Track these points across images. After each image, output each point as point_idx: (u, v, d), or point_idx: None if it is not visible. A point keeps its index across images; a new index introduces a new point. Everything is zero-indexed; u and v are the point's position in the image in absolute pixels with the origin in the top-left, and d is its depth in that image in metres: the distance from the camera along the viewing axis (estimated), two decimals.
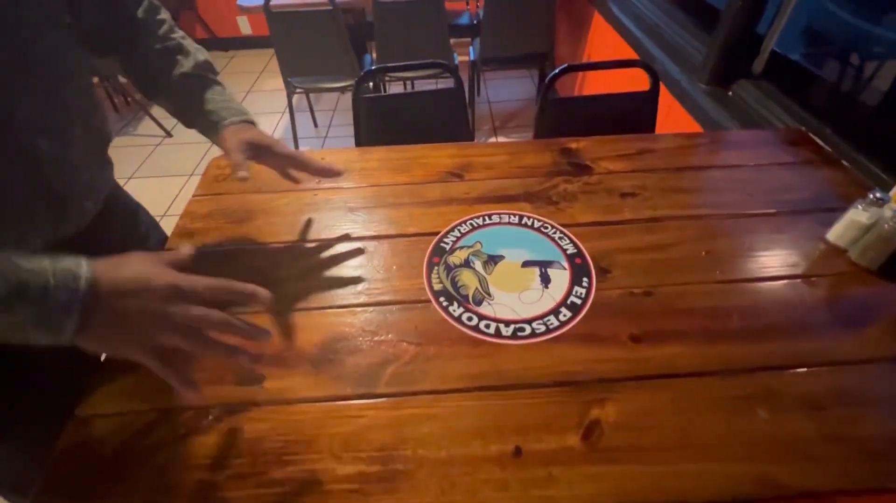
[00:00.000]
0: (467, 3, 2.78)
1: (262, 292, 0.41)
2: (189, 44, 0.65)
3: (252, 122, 0.64)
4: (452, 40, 1.96)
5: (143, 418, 0.50)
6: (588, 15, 2.02)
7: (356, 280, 0.65)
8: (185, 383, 0.40)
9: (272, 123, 2.50)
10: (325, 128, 2.48)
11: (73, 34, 0.54)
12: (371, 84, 1.96)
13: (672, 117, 1.27)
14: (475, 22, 2.47)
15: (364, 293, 0.63)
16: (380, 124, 1.10)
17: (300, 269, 0.67)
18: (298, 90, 1.95)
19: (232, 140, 0.59)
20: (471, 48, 2.24)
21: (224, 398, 0.51)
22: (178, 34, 0.65)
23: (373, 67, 1.20)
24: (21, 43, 0.46)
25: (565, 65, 1.05)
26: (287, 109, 2.07)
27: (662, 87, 1.09)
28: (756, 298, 0.60)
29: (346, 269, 0.67)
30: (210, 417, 0.50)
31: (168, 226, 0.78)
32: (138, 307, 0.37)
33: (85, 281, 0.35)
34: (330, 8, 1.65)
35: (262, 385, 0.52)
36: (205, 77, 0.64)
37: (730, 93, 1.13)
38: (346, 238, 0.72)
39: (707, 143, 0.94)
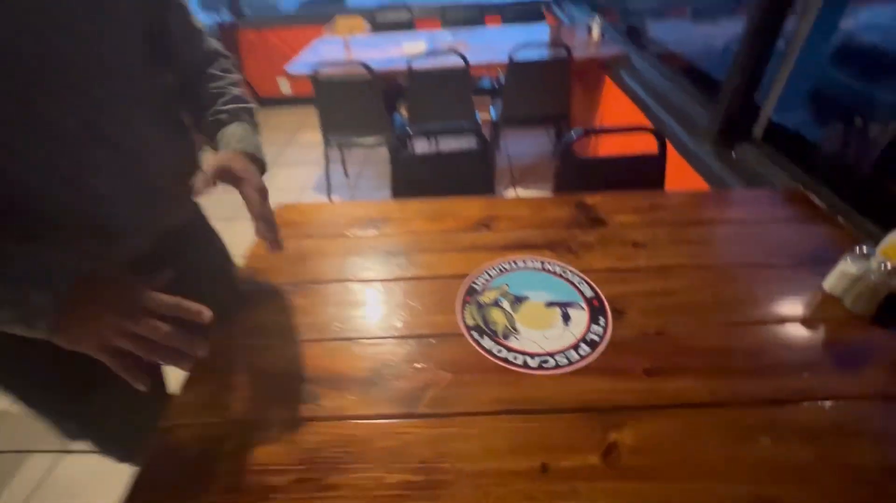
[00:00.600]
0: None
1: (206, 311, 0.49)
2: (238, 91, 0.75)
3: (252, 155, 0.67)
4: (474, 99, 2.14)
5: (218, 429, 0.58)
6: (601, 81, 2.20)
7: (398, 315, 0.74)
8: (133, 378, 0.48)
9: (308, 174, 2.71)
10: (355, 177, 2.67)
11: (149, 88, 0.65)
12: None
13: (680, 174, 1.38)
14: (495, 86, 2.70)
15: (406, 326, 0.72)
16: (414, 178, 1.22)
17: (350, 304, 0.77)
18: (334, 145, 2.15)
19: (211, 159, 0.61)
20: (492, 108, 2.44)
21: (286, 414, 0.59)
22: (237, 90, 0.76)
23: (409, 128, 1.34)
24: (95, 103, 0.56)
25: (582, 130, 1.17)
26: (321, 161, 2.27)
27: (671, 147, 1.21)
28: (759, 339, 0.67)
29: (389, 306, 0.76)
30: (275, 429, 0.58)
31: None
32: (97, 318, 0.46)
33: (55, 298, 0.46)
34: (370, 77, 1.86)
35: (318, 403, 0.60)
36: (236, 113, 0.72)
37: (733, 154, 1.24)
38: (388, 278, 0.82)
39: (712, 200, 1.03)
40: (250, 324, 0.73)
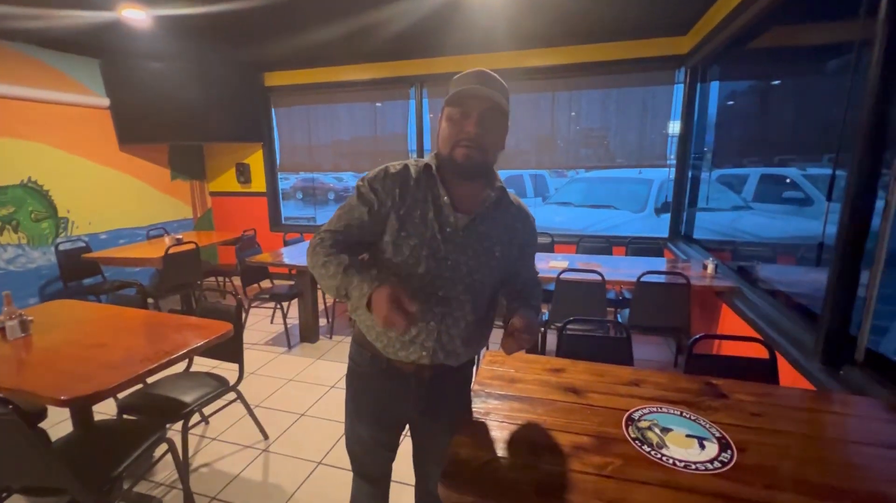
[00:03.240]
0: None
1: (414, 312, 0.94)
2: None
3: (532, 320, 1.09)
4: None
5: (494, 450, 1.04)
6: (717, 305, 2.65)
7: (580, 425, 1.17)
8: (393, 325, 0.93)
9: None
10: (495, 345, 3.23)
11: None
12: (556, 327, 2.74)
13: (791, 379, 1.67)
14: (620, 298, 3.29)
15: (585, 432, 1.14)
16: (573, 350, 1.74)
17: (548, 414, 1.23)
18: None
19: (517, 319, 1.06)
20: (619, 315, 2.97)
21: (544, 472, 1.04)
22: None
23: (569, 320, 1.92)
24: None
25: (703, 334, 1.63)
26: None
27: (781, 356, 1.57)
28: (856, 487, 0.95)
29: (571, 418, 1.20)
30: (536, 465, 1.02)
31: None
32: (382, 303, 0.94)
33: (370, 290, 0.98)
34: None
35: (540, 457, 1.04)
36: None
37: (840, 372, 1.54)
38: (570, 401, 1.28)
39: (819, 396, 1.34)
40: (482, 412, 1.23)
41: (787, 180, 2.76)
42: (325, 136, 4.86)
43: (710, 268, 2.80)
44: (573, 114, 4.13)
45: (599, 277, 2.61)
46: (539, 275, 1.35)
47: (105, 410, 2.33)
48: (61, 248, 3.77)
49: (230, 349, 2.09)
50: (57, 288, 3.79)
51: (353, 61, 4.39)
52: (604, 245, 3.86)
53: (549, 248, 3.88)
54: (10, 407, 1.22)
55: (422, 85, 4.38)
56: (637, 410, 1.23)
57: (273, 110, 4.96)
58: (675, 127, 3.91)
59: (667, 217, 4.19)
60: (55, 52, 3.74)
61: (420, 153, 4.55)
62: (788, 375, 1.68)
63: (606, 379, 1.41)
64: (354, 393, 1.27)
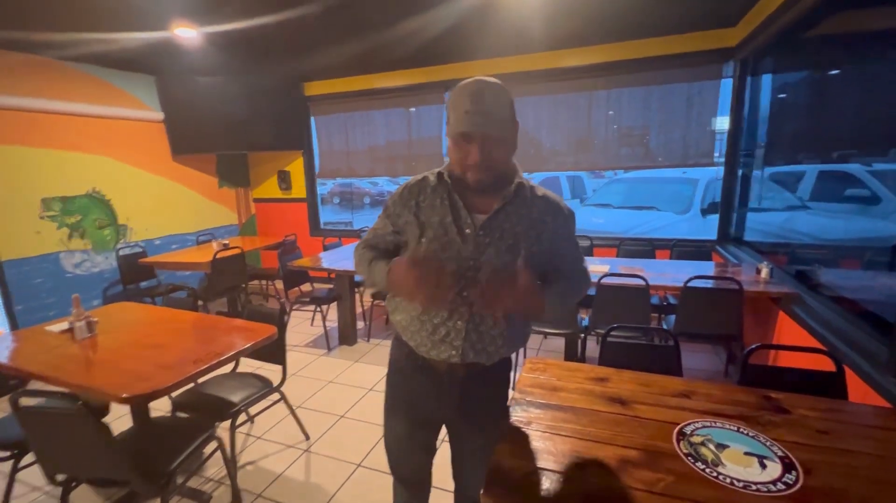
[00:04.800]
0: None
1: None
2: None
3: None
4: None
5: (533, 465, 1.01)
6: (773, 312, 2.49)
7: (627, 437, 1.13)
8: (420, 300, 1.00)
9: None
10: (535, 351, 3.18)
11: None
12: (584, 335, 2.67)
13: (862, 391, 1.53)
14: (664, 303, 3.16)
15: (633, 445, 1.10)
16: (616, 358, 1.68)
17: (592, 424, 1.19)
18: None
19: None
20: (663, 322, 2.85)
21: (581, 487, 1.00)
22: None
23: (612, 327, 1.86)
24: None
25: (759, 343, 1.53)
26: None
27: (849, 369, 1.44)
28: None
29: (617, 430, 1.16)
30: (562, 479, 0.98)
31: None
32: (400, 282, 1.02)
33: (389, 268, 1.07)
34: None
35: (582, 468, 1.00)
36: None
37: None
38: (615, 412, 1.23)
39: (893, 413, 1.22)
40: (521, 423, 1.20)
41: (850, 177, 2.56)
42: (361, 142, 4.97)
43: (765, 272, 2.64)
44: (611, 112, 4.02)
45: (643, 282, 2.52)
46: (587, 269, 1.27)
47: (161, 407, 2.46)
48: (121, 253, 4.04)
49: (274, 351, 2.16)
50: (117, 290, 4.06)
51: (388, 68, 4.46)
52: (646, 248, 3.72)
53: (587, 252, 3.78)
54: (80, 402, 1.31)
55: None
56: (689, 424, 1.17)
57: (312, 118, 5.12)
58: (722, 123, 3.72)
59: (714, 218, 3.98)
60: (116, 71, 4.02)
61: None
62: (858, 390, 1.55)
63: (654, 389, 1.36)
64: (392, 388, 1.30)
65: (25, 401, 1.36)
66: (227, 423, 1.95)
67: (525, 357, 2.93)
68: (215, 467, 2.14)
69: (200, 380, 2.09)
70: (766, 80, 3.36)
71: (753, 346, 1.52)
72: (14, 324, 3.05)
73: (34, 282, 3.50)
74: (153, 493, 1.47)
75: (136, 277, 4.06)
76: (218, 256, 3.63)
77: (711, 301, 2.47)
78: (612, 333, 1.74)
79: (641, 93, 3.88)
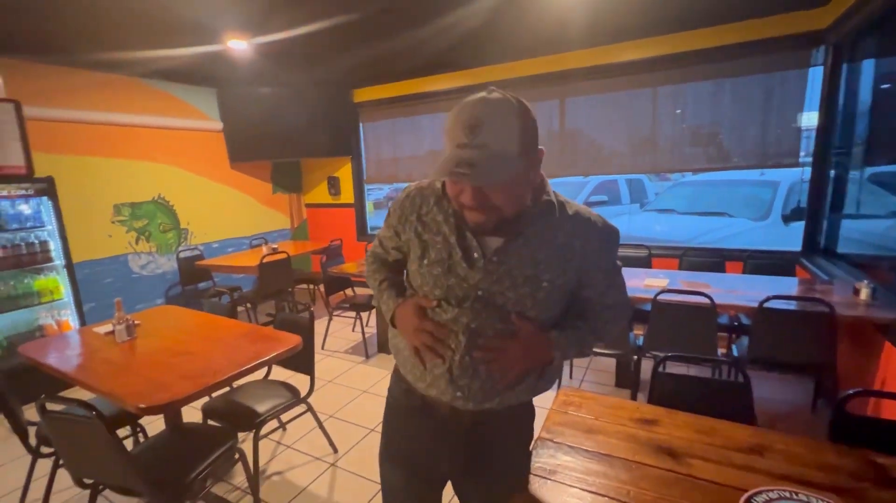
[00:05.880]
0: None
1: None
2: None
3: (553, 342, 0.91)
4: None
5: None
6: (877, 342, 2.06)
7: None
8: (419, 358, 0.93)
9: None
10: (578, 379, 2.92)
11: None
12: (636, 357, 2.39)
13: None
14: (735, 323, 2.76)
15: None
16: (669, 394, 1.43)
17: (631, 479, 0.97)
18: None
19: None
20: (734, 345, 2.49)
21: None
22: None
23: (668, 356, 1.60)
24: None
25: (860, 389, 1.22)
26: None
27: None
28: None
29: (665, 491, 0.94)
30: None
31: None
32: (404, 327, 0.96)
33: (395, 306, 0.99)
34: None
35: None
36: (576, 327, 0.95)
37: None
38: (662, 467, 1.00)
39: None
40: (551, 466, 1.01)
41: None
42: (408, 148, 4.93)
43: (865, 292, 2.20)
44: (678, 111, 3.64)
45: (708, 300, 2.19)
46: (626, 301, 1.02)
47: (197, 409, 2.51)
48: (181, 255, 4.28)
49: (302, 361, 2.12)
50: (177, 291, 4.30)
51: (433, 72, 4.38)
52: (714, 260, 3.30)
53: (645, 263, 3.44)
54: (94, 412, 1.30)
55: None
56: (760, 492, 0.92)
57: (361, 125, 5.17)
58: (810, 118, 3.22)
59: (799, 226, 3.46)
60: (180, 85, 4.29)
61: None
62: None
63: (716, 440, 1.11)
64: (388, 429, 1.10)
65: (52, 406, 1.39)
66: (252, 434, 1.92)
67: (559, 386, 2.70)
68: (243, 474, 2.13)
69: (235, 384, 2.09)
70: (867, 67, 2.86)
71: (851, 392, 1.21)
72: (83, 322, 3.30)
73: (104, 281, 3.79)
74: None
75: (194, 279, 4.28)
76: (265, 261, 3.72)
77: (794, 326, 2.10)
78: (668, 363, 1.49)
79: (712, 87, 3.47)
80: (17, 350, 1.96)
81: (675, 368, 2.57)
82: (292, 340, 1.90)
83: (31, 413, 1.80)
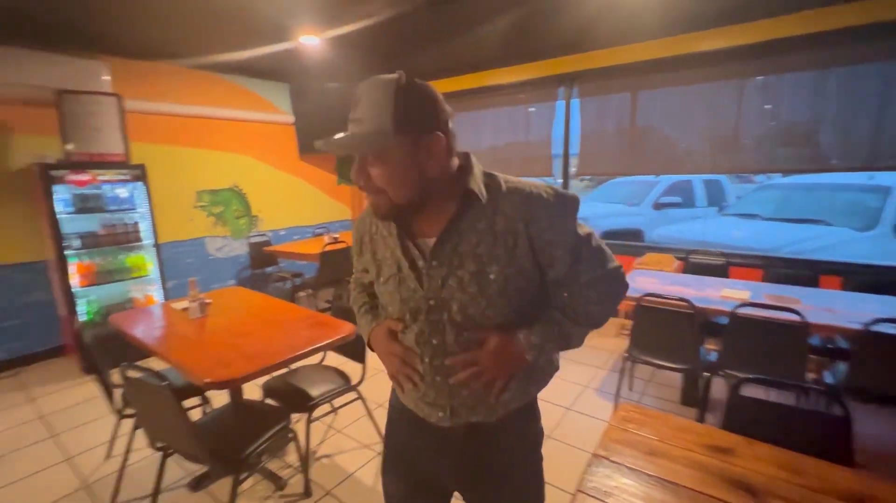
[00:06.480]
0: None
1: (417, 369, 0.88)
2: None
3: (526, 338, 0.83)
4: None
5: None
6: None
7: None
8: (396, 382, 0.92)
9: (594, 374, 2.96)
10: (639, 393, 2.73)
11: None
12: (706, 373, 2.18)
13: None
14: (828, 346, 2.44)
15: None
16: (748, 421, 1.27)
17: None
18: (635, 361, 2.36)
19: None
20: (827, 372, 2.20)
21: None
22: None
23: (747, 378, 1.43)
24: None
25: None
26: (606, 365, 2.48)
27: None
28: None
29: None
30: None
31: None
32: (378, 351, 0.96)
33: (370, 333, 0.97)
34: (691, 312, 2.09)
35: None
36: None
37: None
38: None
39: None
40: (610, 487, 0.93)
41: None
42: (468, 144, 4.89)
43: None
44: (768, 106, 3.28)
45: (798, 317, 1.95)
46: (610, 274, 0.87)
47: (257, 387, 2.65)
48: (251, 241, 4.56)
49: (356, 349, 2.15)
50: (247, 274, 4.60)
51: (496, 66, 4.28)
52: (806, 273, 2.93)
53: (722, 272, 3.14)
54: (166, 382, 1.40)
55: (572, 83, 4.03)
56: None
57: None
58: None
59: None
60: (257, 80, 4.56)
61: (566, 159, 4.20)
62: None
63: (806, 481, 0.96)
64: (389, 438, 1.04)
65: (132, 373, 1.52)
66: (305, 415, 1.99)
67: (618, 399, 2.53)
68: (296, 453, 2.22)
69: (293, 366, 2.18)
70: None
71: None
72: (166, 297, 3.62)
73: (185, 261, 4.13)
74: (225, 473, 1.53)
75: (262, 263, 4.55)
76: (326, 249, 3.86)
77: None
78: (747, 385, 1.33)
79: (812, 78, 3.08)
80: (109, 319, 2.18)
81: (750, 391, 2.31)
82: (347, 329, 1.94)
83: (116, 377, 2.00)
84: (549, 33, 3.39)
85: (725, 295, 2.39)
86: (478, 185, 0.82)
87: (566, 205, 0.83)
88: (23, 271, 3.27)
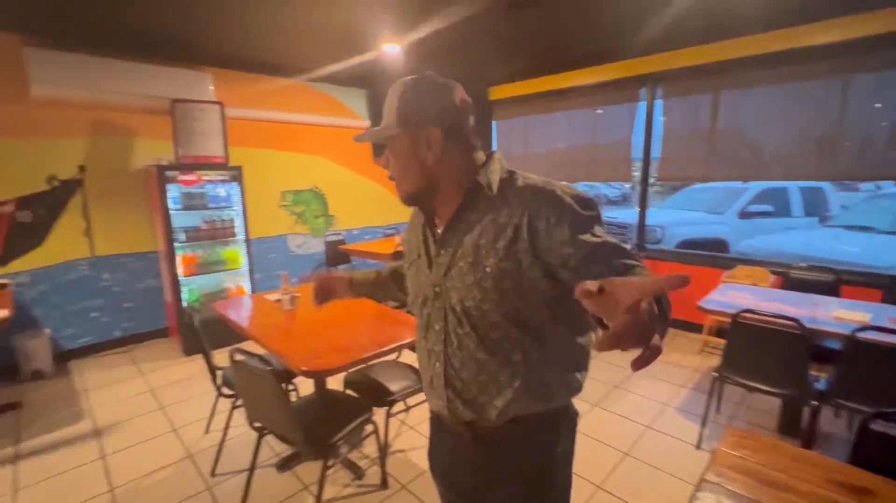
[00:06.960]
0: None
1: None
2: None
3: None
4: None
5: None
6: None
7: None
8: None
9: (673, 392, 2.78)
10: (728, 416, 2.53)
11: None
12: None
13: None
14: None
15: None
16: (886, 459, 1.12)
17: None
18: (726, 381, 2.18)
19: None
20: None
21: None
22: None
23: (880, 412, 1.27)
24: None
25: None
26: (688, 383, 2.32)
27: None
28: None
29: None
30: None
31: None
32: None
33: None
34: (798, 332, 1.90)
35: None
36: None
37: None
38: None
39: None
40: None
41: None
42: (540, 146, 4.80)
43: None
44: (878, 105, 2.90)
45: None
46: (628, 265, 0.71)
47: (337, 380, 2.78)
48: (328, 239, 4.81)
49: None
50: (324, 271, 4.86)
51: (571, 68, 4.17)
52: None
53: (832, 290, 2.81)
54: (270, 368, 1.51)
55: (655, 84, 3.83)
56: None
57: (493, 122, 5.19)
58: None
59: None
60: (339, 87, 4.81)
61: (646, 161, 4.00)
62: None
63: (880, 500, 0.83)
64: (430, 440, 1.08)
65: (238, 357, 1.65)
66: (383, 409, 2.06)
67: (706, 422, 2.34)
68: (373, 446, 2.30)
69: (370, 363, 2.27)
70: None
71: None
72: (253, 289, 3.92)
73: (269, 256, 4.45)
74: (314, 457, 1.62)
75: (337, 261, 4.78)
76: (397, 249, 3.97)
77: None
78: (880, 419, 1.18)
79: None
80: (212, 306, 2.39)
81: (876, 425, 2.05)
82: None
83: (217, 359, 2.19)
84: (631, 33, 3.25)
85: (840, 316, 2.14)
86: (488, 178, 0.84)
87: (579, 205, 0.78)
88: (139, 259, 3.70)
